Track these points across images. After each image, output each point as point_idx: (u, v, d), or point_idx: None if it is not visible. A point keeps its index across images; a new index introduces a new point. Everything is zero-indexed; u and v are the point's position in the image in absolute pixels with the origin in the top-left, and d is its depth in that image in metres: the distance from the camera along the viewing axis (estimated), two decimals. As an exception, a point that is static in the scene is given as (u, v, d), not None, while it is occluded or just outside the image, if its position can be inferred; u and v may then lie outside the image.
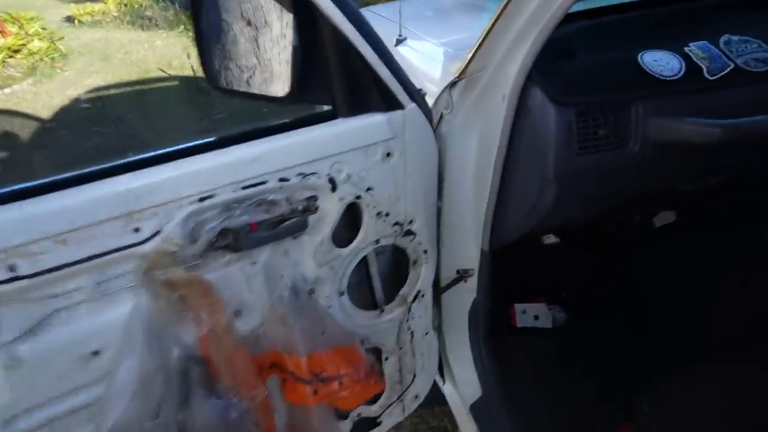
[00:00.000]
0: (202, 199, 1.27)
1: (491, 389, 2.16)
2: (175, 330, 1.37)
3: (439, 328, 2.07)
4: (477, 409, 2.17)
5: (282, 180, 1.37)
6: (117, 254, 1.19)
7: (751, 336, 2.20)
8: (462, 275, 2.07)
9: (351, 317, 1.71)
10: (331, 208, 1.49)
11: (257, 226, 1.35)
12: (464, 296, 2.12)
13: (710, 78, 1.64)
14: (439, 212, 1.95)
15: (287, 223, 1.41)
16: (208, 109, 6.30)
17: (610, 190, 1.82)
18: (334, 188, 1.46)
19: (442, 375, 2.39)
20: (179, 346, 1.39)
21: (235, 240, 1.34)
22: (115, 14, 10.60)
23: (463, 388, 2.23)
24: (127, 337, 1.28)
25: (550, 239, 2.66)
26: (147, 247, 1.23)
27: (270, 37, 1.37)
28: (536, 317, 2.40)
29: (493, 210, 1.84)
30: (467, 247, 2.02)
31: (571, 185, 1.64)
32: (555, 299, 2.42)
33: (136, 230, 1.21)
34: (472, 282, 2.08)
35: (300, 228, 1.43)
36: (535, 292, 2.46)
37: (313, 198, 1.46)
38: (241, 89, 1.48)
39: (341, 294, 1.67)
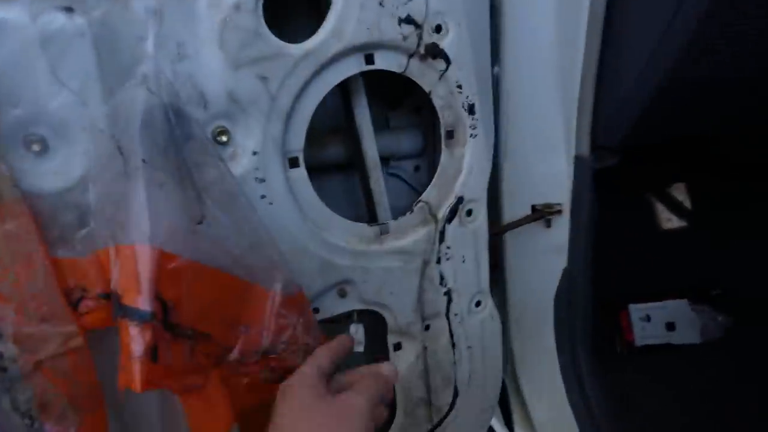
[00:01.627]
0: None
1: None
2: None
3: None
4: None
5: None
6: None
7: None
8: (541, 212, 1.14)
9: (314, 223, 0.81)
10: None
11: None
12: (544, 262, 1.18)
13: None
14: (496, 86, 1.08)
15: None
16: None
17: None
18: None
19: (507, 420, 1.36)
20: None
21: None
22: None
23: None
24: None
25: (672, 228, 1.67)
26: None
27: None
28: (670, 326, 1.37)
29: (597, 54, 0.97)
30: (548, 156, 1.12)
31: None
32: (699, 298, 1.40)
33: None
34: (560, 229, 1.15)
35: None
36: (658, 292, 1.45)
37: None
38: None
39: (292, 162, 0.78)
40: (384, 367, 0.76)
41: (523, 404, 1.27)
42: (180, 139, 0.67)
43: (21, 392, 0.60)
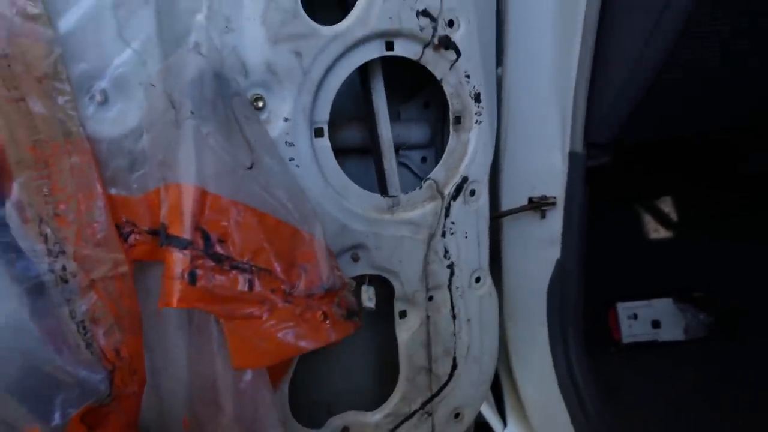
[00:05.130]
0: None
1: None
2: None
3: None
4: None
5: None
6: None
7: None
8: (537, 203, 1.23)
9: (333, 189, 0.90)
10: None
11: None
12: (538, 252, 1.27)
13: None
14: (498, 86, 1.19)
15: None
16: None
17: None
18: None
19: (500, 411, 1.42)
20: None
21: None
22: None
23: (543, 425, 1.27)
24: None
25: (659, 233, 1.77)
26: None
27: None
28: (656, 323, 1.45)
29: (590, 58, 1.08)
30: (543, 149, 1.21)
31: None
32: (683, 298, 1.48)
33: None
34: (553, 221, 1.24)
35: None
36: (644, 292, 1.53)
37: None
38: None
39: (317, 132, 0.88)
40: None
41: (514, 388, 1.34)
42: (227, 96, 0.76)
43: (78, 305, 0.68)
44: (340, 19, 0.88)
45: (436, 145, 1.20)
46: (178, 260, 0.68)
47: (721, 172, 1.61)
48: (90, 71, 0.74)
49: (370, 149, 1.05)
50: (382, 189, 1.04)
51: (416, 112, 1.18)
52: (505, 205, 1.25)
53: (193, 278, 0.68)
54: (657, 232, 1.68)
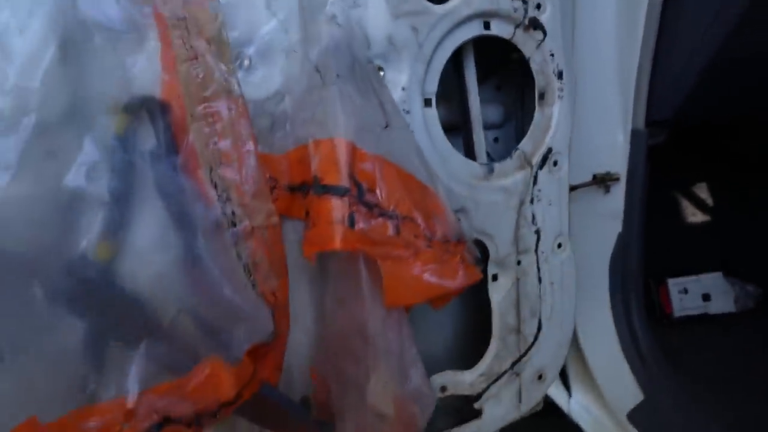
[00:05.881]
0: None
1: (661, 390, 1.26)
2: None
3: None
4: (638, 418, 1.26)
5: None
6: None
7: None
8: (601, 179, 1.30)
9: (440, 156, 0.96)
10: None
11: None
12: (600, 226, 1.34)
13: None
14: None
15: None
16: None
17: None
18: None
19: (564, 382, 1.48)
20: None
21: None
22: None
23: (610, 388, 1.33)
24: None
25: (698, 216, 1.85)
26: None
27: None
28: (706, 297, 1.52)
29: (654, 41, 1.16)
30: (608, 127, 1.29)
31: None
32: (732, 271, 1.56)
33: None
34: (616, 196, 1.31)
35: None
36: (691, 265, 1.60)
37: None
38: None
39: (427, 102, 0.94)
40: None
41: (578, 358, 1.40)
42: (362, 62, 0.83)
43: (243, 248, 0.73)
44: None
45: (509, 125, 1.27)
46: (338, 206, 0.74)
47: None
48: (240, 38, 0.80)
49: (456, 126, 1.12)
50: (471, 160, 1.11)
51: (490, 93, 1.26)
52: (572, 180, 1.33)
53: (352, 222, 0.74)
54: (697, 213, 1.76)
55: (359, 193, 0.76)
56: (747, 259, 1.62)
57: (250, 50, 0.81)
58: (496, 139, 1.28)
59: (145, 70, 0.71)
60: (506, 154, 1.10)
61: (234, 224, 0.73)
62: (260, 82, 0.82)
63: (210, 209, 0.71)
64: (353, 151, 0.77)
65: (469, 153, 1.10)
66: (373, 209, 0.77)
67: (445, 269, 0.79)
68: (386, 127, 0.83)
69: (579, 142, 1.32)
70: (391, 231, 0.77)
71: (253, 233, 0.75)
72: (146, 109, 0.71)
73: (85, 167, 0.65)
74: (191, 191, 0.70)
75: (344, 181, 0.75)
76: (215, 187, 0.72)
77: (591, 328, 1.38)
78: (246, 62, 0.81)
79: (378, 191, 0.77)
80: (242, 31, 0.80)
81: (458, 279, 0.80)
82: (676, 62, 1.19)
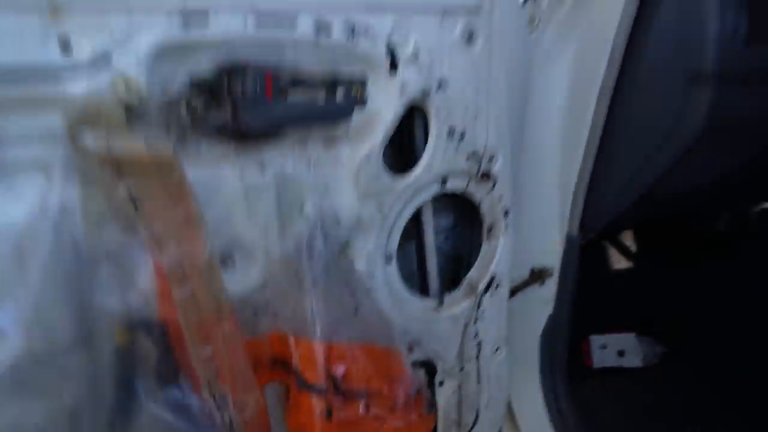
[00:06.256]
0: (187, 19, 0.73)
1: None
2: (112, 264, 0.77)
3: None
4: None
5: (320, 26, 0.84)
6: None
7: None
8: (538, 275, 1.48)
9: (399, 302, 1.10)
10: (386, 104, 0.95)
11: (272, 85, 0.79)
12: (534, 309, 1.52)
13: None
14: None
15: (324, 103, 0.86)
16: None
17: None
18: (393, 66, 0.93)
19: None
20: (118, 299, 0.78)
21: (234, 111, 0.78)
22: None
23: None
24: (16, 267, 0.68)
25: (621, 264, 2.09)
26: (78, 86, 0.67)
27: None
28: (621, 353, 1.78)
29: (593, 159, 1.31)
30: (546, 231, 1.46)
31: (732, 90, 1.12)
32: (643, 331, 1.82)
33: (64, 45, 0.66)
34: (550, 287, 1.49)
35: (343, 112, 0.87)
36: (612, 323, 1.85)
37: (361, 84, 0.92)
38: None
39: (388, 259, 1.07)
40: None
41: (512, 424, 1.63)
42: (332, 255, 0.95)
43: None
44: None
45: (457, 232, 1.42)
46: (317, 402, 0.88)
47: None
48: (223, 245, 0.90)
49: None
50: (423, 285, 1.25)
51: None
52: (512, 273, 1.50)
53: (329, 413, 0.89)
54: (621, 261, 2.00)
55: (334, 386, 0.90)
56: (659, 317, 1.87)
57: (234, 252, 0.91)
58: (447, 238, 1.43)
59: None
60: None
61: (231, 429, 0.86)
62: (240, 279, 0.93)
63: (214, 419, 0.84)
64: (329, 350, 0.90)
65: (424, 278, 1.25)
66: (347, 395, 0.91)
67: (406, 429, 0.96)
68: (356, 310, 0.96)
69: (521, 241, 1.48)
70: (361, 410, 0.93)
71: (247, 427, 0.89)
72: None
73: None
74: (195, 409, 0.82)
75: (322, 381, 0.89)
76: (215, 399, 0.85)
77: (521, 397, 1.60)
78: (229, 262, 0.91)
79: (350, 377, 0.92)
80: (225, 237, 0.90)
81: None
82: (610, 187, 1.36)
